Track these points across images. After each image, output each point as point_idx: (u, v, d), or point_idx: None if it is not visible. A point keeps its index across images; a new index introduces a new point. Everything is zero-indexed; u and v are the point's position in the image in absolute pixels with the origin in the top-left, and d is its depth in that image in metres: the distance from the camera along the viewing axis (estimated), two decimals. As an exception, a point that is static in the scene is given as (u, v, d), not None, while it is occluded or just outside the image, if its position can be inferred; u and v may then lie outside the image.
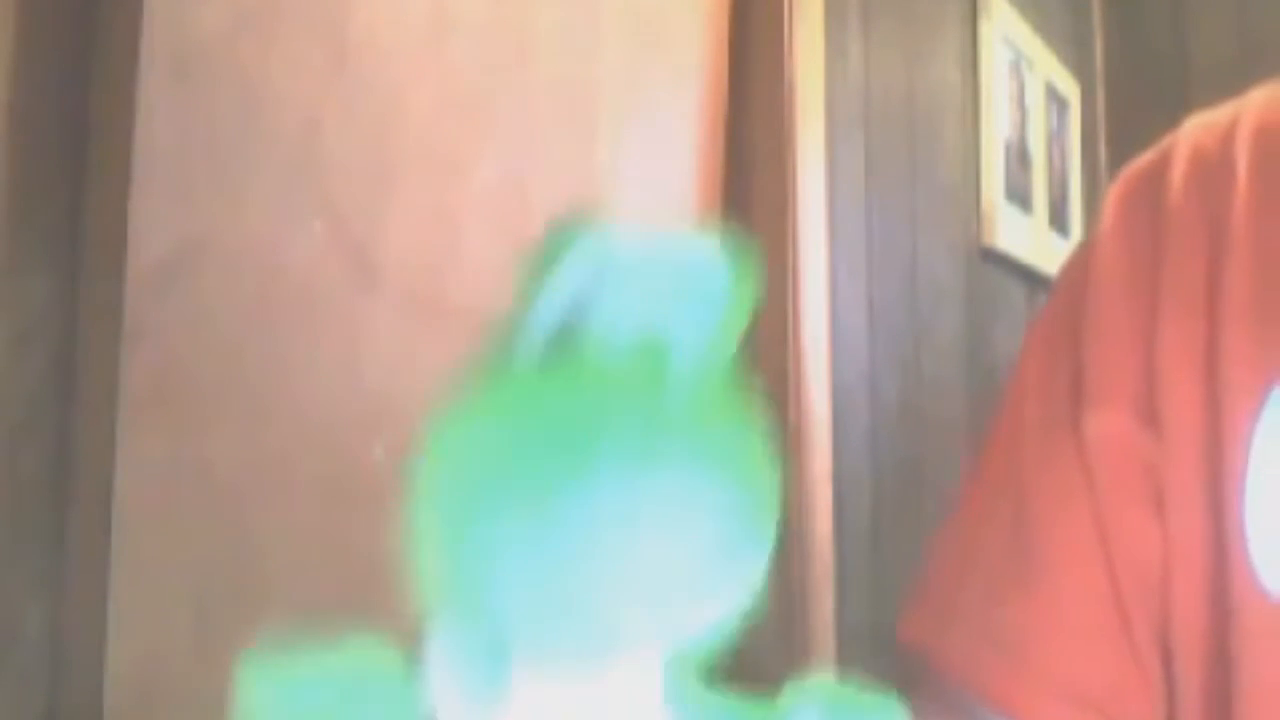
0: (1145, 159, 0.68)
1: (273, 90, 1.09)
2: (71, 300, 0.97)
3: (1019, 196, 2.52)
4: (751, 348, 0.33)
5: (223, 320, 1.05)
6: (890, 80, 2.10)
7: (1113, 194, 0.67)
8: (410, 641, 0.32)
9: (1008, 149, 2.48)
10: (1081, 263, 0.65)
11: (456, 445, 0.30)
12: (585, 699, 0.30)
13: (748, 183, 1.74)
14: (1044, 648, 0.61)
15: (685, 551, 0.29)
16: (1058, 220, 2.73)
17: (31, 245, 0.95)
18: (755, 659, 0.42)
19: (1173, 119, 0.72)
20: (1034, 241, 2.59)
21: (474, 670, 0.31)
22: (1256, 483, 0.55)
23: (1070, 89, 2.87)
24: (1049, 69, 2.73)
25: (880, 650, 1.30)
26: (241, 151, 1.07)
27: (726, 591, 0.30)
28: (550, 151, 1.43)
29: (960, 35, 2.37)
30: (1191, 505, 0.58)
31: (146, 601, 0.98)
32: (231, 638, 1.03)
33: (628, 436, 0.29)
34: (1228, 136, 0.63)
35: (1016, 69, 2.54)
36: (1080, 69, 2.96)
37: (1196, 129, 0.66)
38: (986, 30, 2.41)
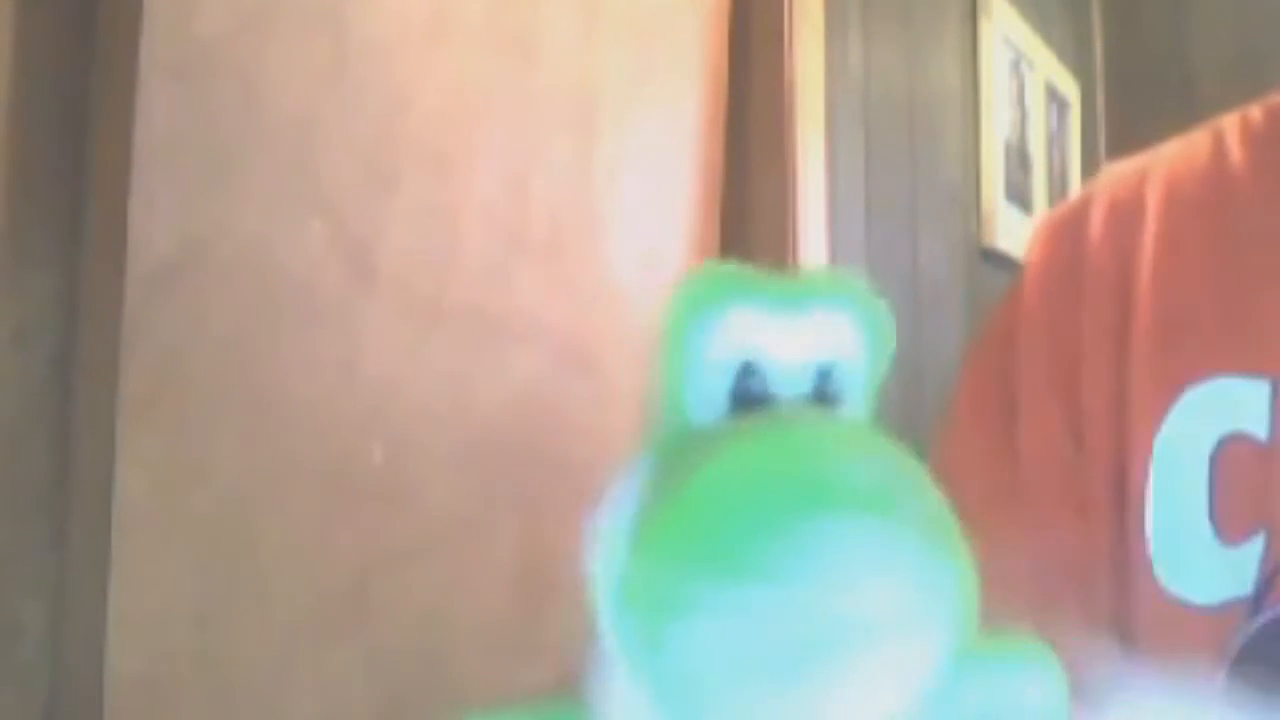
0: (1066, 206, 0.75)
1: (272, 90, 1.09)
2: (71, 300, 0.97)
3: (1019, 197, 2.52)
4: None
5: (222, 320, 1.05)
6: (890, 80, 2.10)
7: (1035, 239, 0.73)
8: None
9: (1008, 149, 2.48)
10: (1011, 306, 0.72)
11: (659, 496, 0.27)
12: None
13: (748, 183, 1.74)
14: None
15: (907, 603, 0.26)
16: (1058, 220, 2.73)
17: (31, 244, 0.95)
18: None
19: (1173, 119, 0.75)
20: (1034, 241, 2.59)
21: None
22: (1156, 490, 0.63)
23: (1070, 89, 2.87)
24: (1049, 69, 2.73)
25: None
26: (241, 151, 1.07)
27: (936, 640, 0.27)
28: (550, 151, 1.43)
29: (960, 35, 2.37)
30: (1103, 511, 0.66)
31: (146, 601, 0.98)
32: (231, 637, 1.04)
33: (836, 489, 0.26)
34: (1139, 185, 0.70)
35: (1016, 69, 2.54)
36: (1080, 69, 2.96)
37: (1113, 180, 0.73)
38: (986, 30, 2.41)
